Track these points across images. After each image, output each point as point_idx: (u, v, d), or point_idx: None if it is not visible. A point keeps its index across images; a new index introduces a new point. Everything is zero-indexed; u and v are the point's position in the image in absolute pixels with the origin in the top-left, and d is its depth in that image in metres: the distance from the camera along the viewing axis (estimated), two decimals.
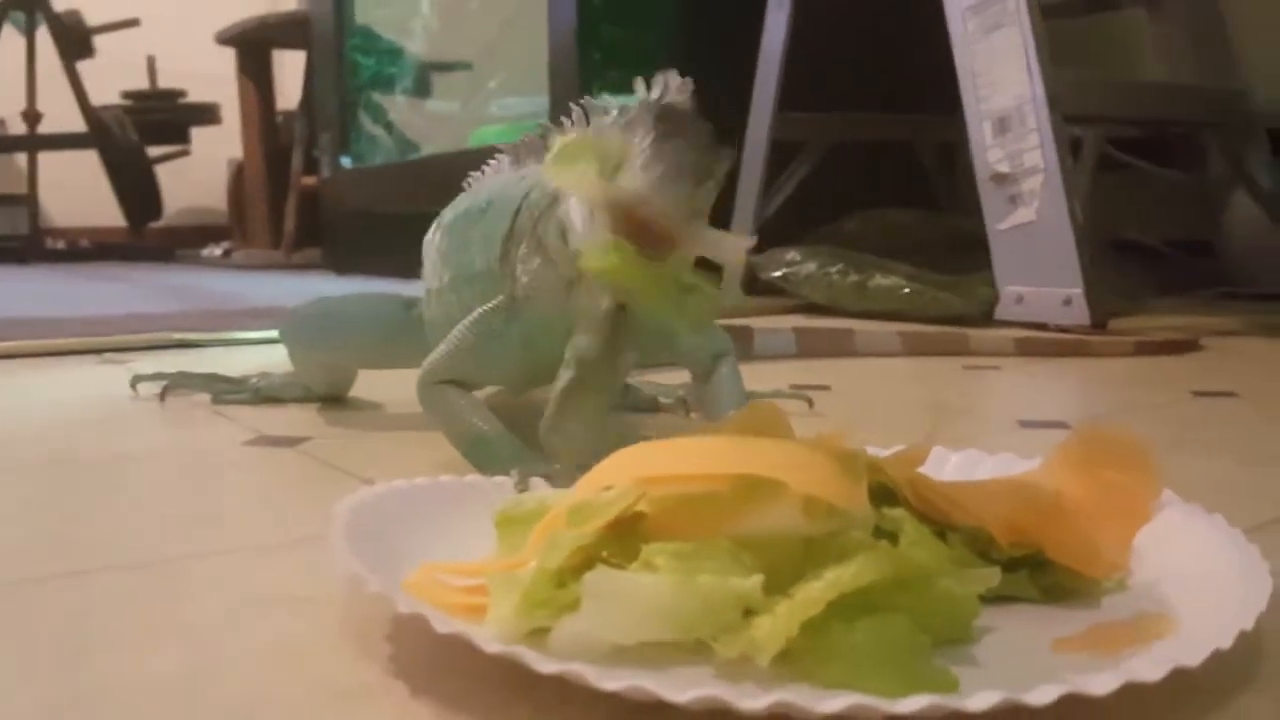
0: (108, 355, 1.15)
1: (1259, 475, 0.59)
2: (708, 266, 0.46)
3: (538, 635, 0.31)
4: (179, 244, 4.10)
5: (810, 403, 0.74)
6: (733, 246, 0.45)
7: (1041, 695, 0.26)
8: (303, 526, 0.49)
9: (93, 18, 3.85)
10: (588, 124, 0.52)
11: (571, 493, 0.38)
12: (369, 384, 0.81)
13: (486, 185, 0.66)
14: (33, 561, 0.44)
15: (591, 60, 1.90)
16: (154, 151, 4.09)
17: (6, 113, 3.95)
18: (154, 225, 4.15)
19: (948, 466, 0.48)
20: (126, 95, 4.12)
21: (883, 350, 1.13)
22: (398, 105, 2.87)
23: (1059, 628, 0.34)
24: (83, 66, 3.78)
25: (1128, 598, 0.36)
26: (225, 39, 3.58)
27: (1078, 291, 1.31)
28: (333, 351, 0.77)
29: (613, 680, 0.27)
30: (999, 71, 1.41)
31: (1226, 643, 0.29)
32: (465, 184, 0.72)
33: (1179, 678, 0.28)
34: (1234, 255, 1.84)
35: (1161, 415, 0.79)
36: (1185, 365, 1.05)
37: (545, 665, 0.28)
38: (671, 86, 0.45)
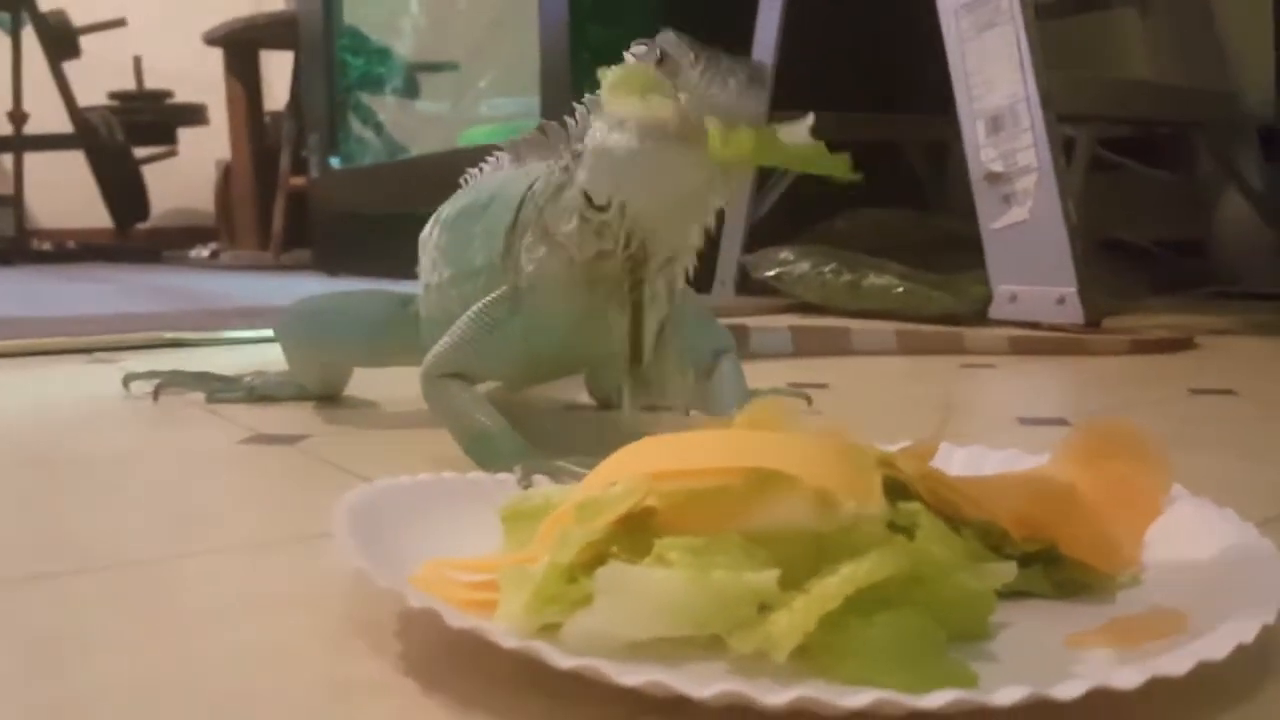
0: (97, 354, 1.14)
1: (1263, 471, 0.59)
2: None
3: (548, 631, 0.31)
4: (166, 245, 4.08)
5: (809, 400, 0.74)
6: (802, 130, 0.46)
7: (1068, 690, 0.26)
8: (303, 524, 0.48)
9: (79, 18, 3.83)
10: (584, 122, 0.53)
11: (578, 488, 0.37)
12: (364, 382, 0.81)
13: (487, 181, 0.65)
14: (30, 560, 0.44)
15: (583, 60, 1.90)
16: (141, 152, 4.08)
17: None
18: (141, 226, 4.14)
19: (953, 463, 0.48)
20: (113, 96, 4.11)
21: (879, 349, 1.13)
22: (387, 105, 2.86)
23: (1074, 623, 0.33)
24: (69, 67, 3.76)
25: (1142, 592, 0.36)
26: (212, 39, 3.57)
27: (1071, 290, 1.31)
28: (328, 349, 0.76)
29: (632, 675, 0.27)
30: (992, 70, 1.41)
31: (1249, 636, 0.29)
32: (462, 180, 0.72)
33: (1203, 672, 0.28)
34: (1225, 255, 1.85)
35: (1161, 412, 0.78)
36: (1181, 363, 1.05)
37: (564, 660, 0.28)
38: (673, 38, 0.47)
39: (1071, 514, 0.37)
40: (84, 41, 3.85)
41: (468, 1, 2.61)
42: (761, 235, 1.74)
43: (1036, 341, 1.15)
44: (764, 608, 0.30)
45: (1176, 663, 0.27)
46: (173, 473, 0.62)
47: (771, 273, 1.63)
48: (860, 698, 0.26)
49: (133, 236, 4.08)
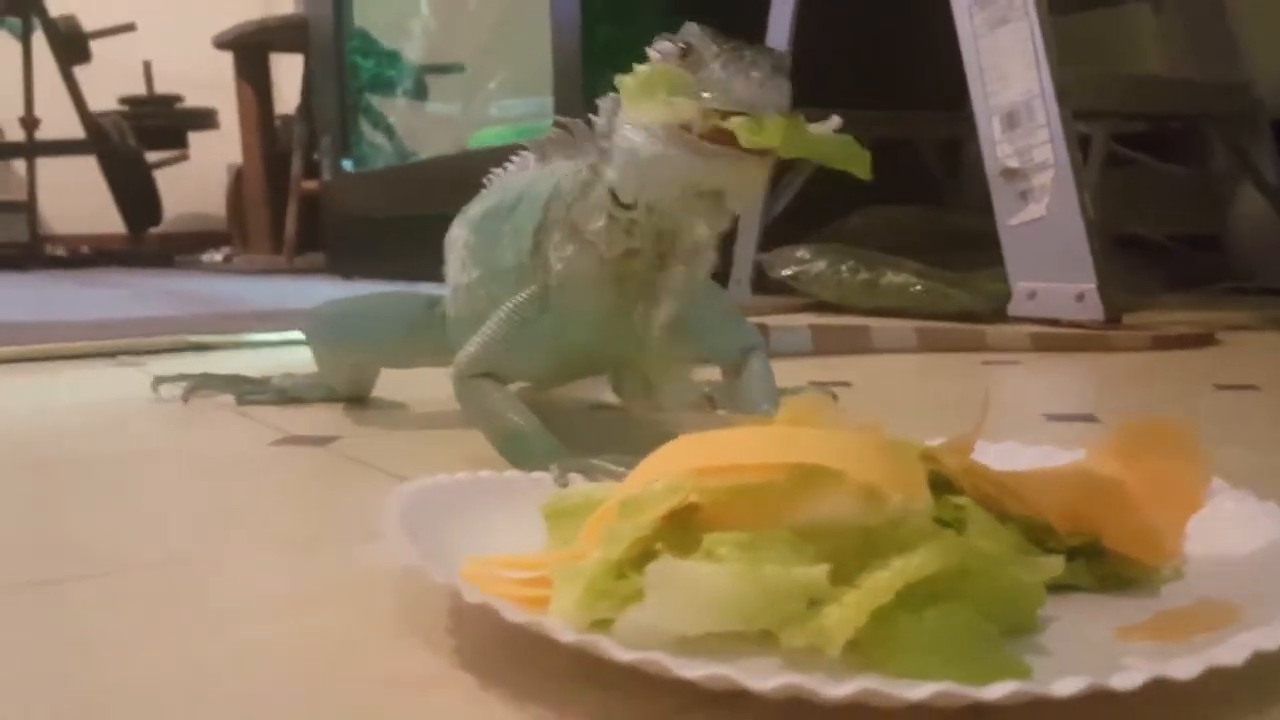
0: (122, 358, 1.14)
1: None
2: None
3: (599, 627, 0.31)
4: (179, 250, 4.10)
5: (835, 398, 0.74)
6: (828, 128, 0.47)
7: (1127, 680, 0.26)
8: (339, 524, 0.49)
9: (89, 23, 3.83)
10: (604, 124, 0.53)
11: (617, 486, 0.37)
12: (392, 384, 0.81)
13: (514, 181, 0.65)
14: (72, 560, 0.44)
15: (595, 60, 1.90)
16: (152, 157, 4.08)
17: (4, 119, 3.95)
18: (153, 231, 4.15)
19: (987, 459, 0.47)
20: (124, 101, 4.12)
21: (899, 347, 1.13)
22: (397, 108, 2.87)
23: (1121, 616, 0.33)
24: (80, 72, 3.77)
25: (1186, 585, 0.36)
26: (222, 43, 3.58)
27: (1091, 287, 1.30)
28: (356, 350, 0.76)
29: (692, 668, 0.27)
30: (1007, 66, 1.40)
31: None
32: (485, 180, 0.72)
33: (1258, 663, 0.28)
34: (1241, 250, 1.84)
35: (1187, 408, 0.78)
36: (1203, 359, 1.05)
37: (624, 654, 0.28)
38: (696, 30, 0.47)
39: (1114, 507, 0.37)
40: (94, 46, 3.85)
41: (477, 3, 2.61)
42: (776, 234, 1.74)
43: (1058, 338, 1.15)
44: (814, 603, 0.30)
45: (1232, 653, 0.27)
46: (207, 474, 0.62)
47: (788, 271, 1.63)
48: (923, 689, 0.26)
49: (145, 241, 4.08)
